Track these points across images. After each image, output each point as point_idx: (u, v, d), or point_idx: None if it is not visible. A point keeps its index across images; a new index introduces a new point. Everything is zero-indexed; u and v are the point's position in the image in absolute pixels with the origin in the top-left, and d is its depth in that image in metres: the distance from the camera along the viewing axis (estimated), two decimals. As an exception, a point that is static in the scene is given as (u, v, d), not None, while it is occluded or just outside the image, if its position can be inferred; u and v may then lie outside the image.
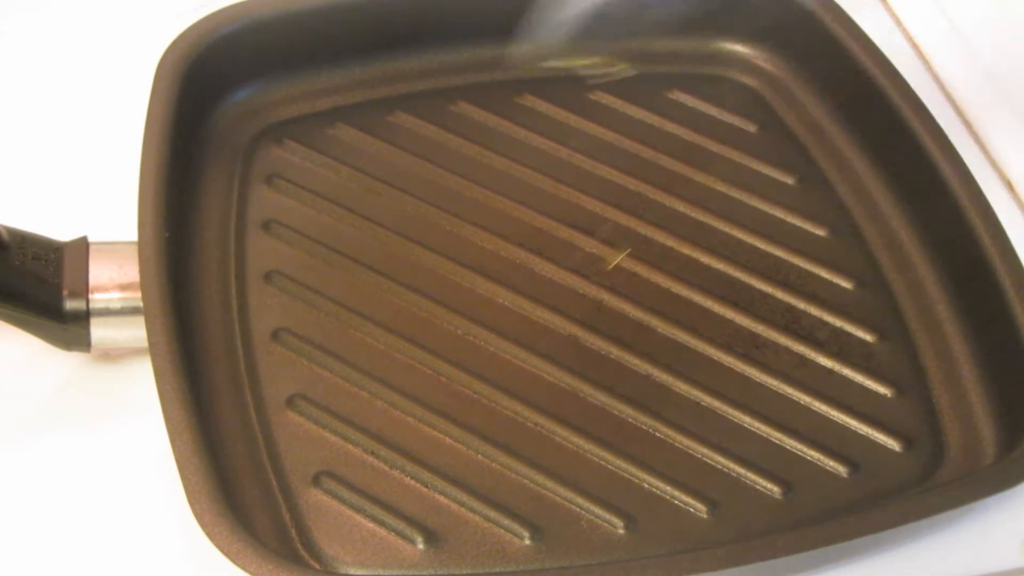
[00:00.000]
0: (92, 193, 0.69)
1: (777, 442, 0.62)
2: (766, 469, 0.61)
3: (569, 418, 0.62)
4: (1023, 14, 0.86)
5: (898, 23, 0.85)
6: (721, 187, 0.72)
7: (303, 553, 0.57)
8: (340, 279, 0.66)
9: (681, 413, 0.63)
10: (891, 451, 0.63)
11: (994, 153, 0.78)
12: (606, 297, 0.67)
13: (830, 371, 0.65)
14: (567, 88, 0.75)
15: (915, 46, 0.84)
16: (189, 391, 0.56)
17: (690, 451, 0.61)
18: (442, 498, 0.59)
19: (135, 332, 0.58)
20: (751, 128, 0.75)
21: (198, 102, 0.67)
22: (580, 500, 0.59)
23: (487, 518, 0.58)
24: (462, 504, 0.59)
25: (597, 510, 0.59)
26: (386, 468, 0.59)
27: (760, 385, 0.64)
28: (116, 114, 0.70)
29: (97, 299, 0.59)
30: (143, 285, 0.58)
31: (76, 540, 0.58)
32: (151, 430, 0.56)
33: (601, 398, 0.63)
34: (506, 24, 0.74)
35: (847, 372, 0.65)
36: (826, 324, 0.67)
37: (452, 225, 0.69)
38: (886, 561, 0.60)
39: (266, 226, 0.68)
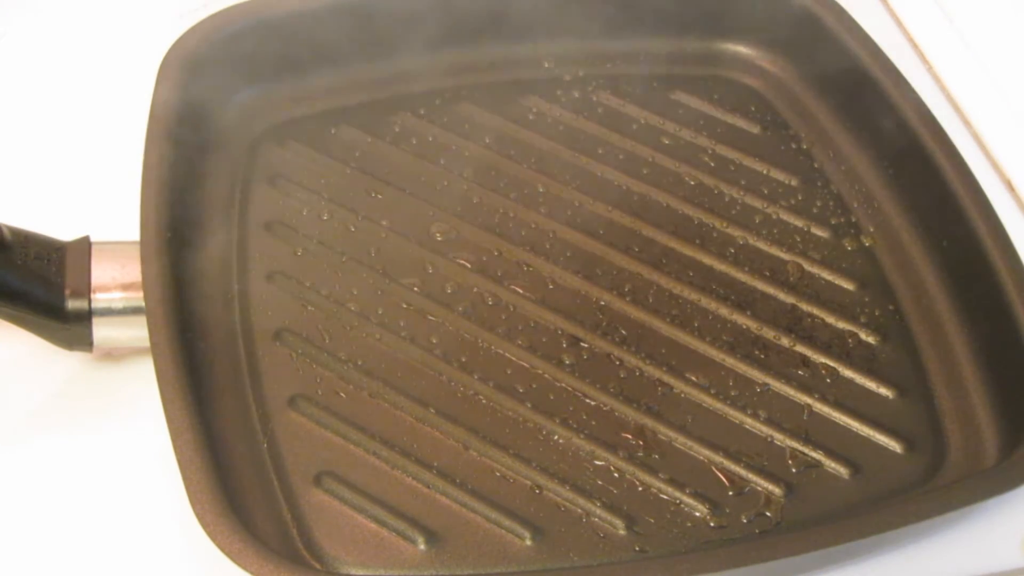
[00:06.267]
0: (94, 193, 0.69)
1: (779, 444, 0.62)
2: (767, 470, 0.61)
3: (570, 419, 0.62)
4: (1023, 15, 0.86)
5: (899, 24, 0.85)
6: (723, 188, 0.72)
7: (304, 553, 0.57)
8: (342, 279, 0.66)
9: (682, 414, 0.63)
10: (893, 452, 0.63)
11: (994, 153, 0.78)
12: (607, 298, 0.67)
13: (832, 372, 0.65)
14: (569, 89, 0.75)
15: (916, 46, 0.84)
16: (191, 391, 0.56)
17: (691, 452, 0.62)
18: (443, 498, 0.59)
19: (137, 332, 0.58)
20: (753, 129, 0.75)
21: (200, 102, 0.67)
22: (581, 501, 0.59)
23: (488, 518, 0.58)
24: (463, 504, 0.59)
25: (598, 511, 0.59)
26: (387, 468, 0.59)
27: (762, 386, 0.64)
28: (119, 114, 0.70)
29: (99, 299, 0.59)
30: (145, 285, 0.58)
31: (77, 539, 0.58)
32: (153, 430, 0.56)
33: (602, 399, 0.63)
34: (507, 25, 0.74)
35: (849, 374, 0.65)
36: (828, 326, 0.67)
37: (454, 225, 0.69)
38: (887, 562, 0.60)
39: (268, 226, 0.68)
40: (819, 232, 0.71)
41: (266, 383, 0.62)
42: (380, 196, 0.70)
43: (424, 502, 0.59)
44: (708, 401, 0.63)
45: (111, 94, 0.74)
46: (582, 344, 0.65)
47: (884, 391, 0.65)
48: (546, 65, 0.76)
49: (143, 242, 0.59)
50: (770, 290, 0.68)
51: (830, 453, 0.62)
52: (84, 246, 0.60)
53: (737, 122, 0.76)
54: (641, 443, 0.62)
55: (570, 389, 0.63)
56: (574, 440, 0.61)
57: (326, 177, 0.70)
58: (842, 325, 0.67)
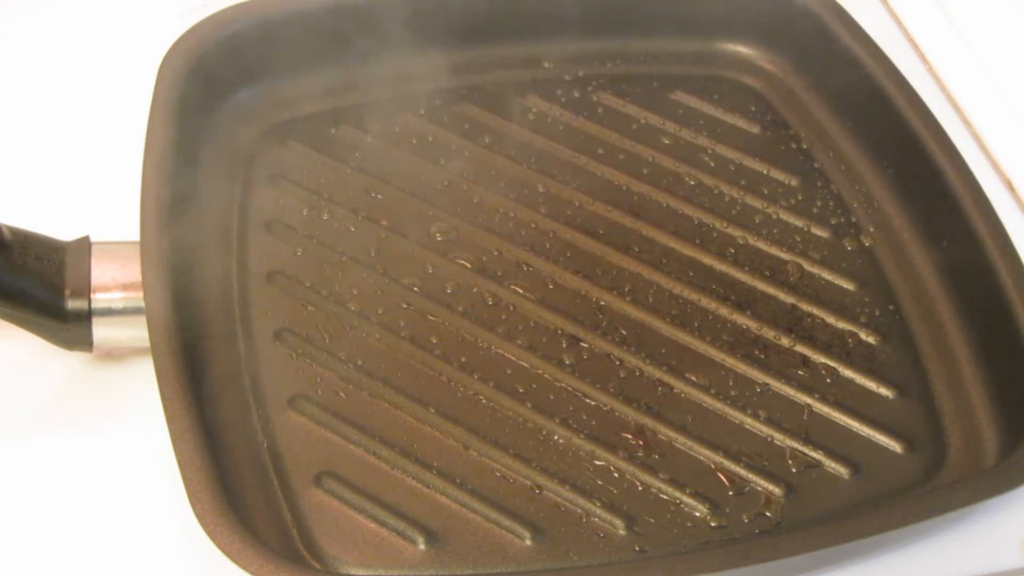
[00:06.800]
0: (94, 193, 0.69)
1: (779, 444, 0.62)
2: (767, 470, 0.61)
3: (570, 419, 0.62)
4: (1023, 14, 0.86)
5: (899, 24, 0.85)
6: (723, 188, 0.72)
7: (304, 553, 0.57)
8: (342, 279, 0.66)
9: (683, 414, 0.63)
10: (893, 453, 0.63)
11: (994, 153, 0.78)
12: (607, 298, 0.67)
13: (832, 372, 0.65)
14: (569, 89, 0.75)
15: (916, 46, 0.84)
16: (191, 391, 0.56)
17: (691, 452, 0.62)
18: (443, 498, 0.59)
19: (137, 332, 0.58)
20: (753, 129, 0.75)
21: (201, 102, 0.67)
22: (581, 501, 0.59)
23: (488, 518, 0.58)
24: (463, 504, 0.59)
25: (598, 511, 0.59)
26: (387, 468, 0.59)
27: (762, 386, 0.64)
28: (119, 114, 0.70)
29: (99, 299, 0.59)
30: (145, 285, 0.58)
31: (77, 539, 0.58)
32: (153, 430, 0.56)
33: (602, 399, 0.63)
34: (507, 24, 0.74)
35: (849, 374, 0.65)
36: (828, 326, 0.67)
37: (454, 225, 0.69)
38: (887, 562, 0.60)
39: (268, 226, 0.68)
40: (819, 232, 0.71)
41: (266, 383, 0.62)
42: (380, 196, 0.70)
43: (424, 502, 0.59)
44: (708, 401, 0.63)
45: (112, 94, 0.74)
46: (582, 344, 0.65)
47: (884, 391, 0.65)
48: (546, 65, 0.76)
49: (143, 242, 0.59)
50: (770, 290, 0.68)
51: (830, 453, 0.62)
52: (84, 246, 0.60)
53: (737, 122, 0.76)
54: (641, 443, 0.62)
55: (570, 389, 0.63)
56: (574, 440, 0.61)
57: (326, 177, 0.70)
58: (842, 325, 0.67)
